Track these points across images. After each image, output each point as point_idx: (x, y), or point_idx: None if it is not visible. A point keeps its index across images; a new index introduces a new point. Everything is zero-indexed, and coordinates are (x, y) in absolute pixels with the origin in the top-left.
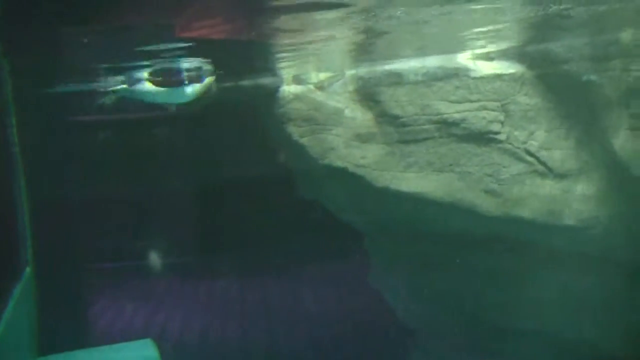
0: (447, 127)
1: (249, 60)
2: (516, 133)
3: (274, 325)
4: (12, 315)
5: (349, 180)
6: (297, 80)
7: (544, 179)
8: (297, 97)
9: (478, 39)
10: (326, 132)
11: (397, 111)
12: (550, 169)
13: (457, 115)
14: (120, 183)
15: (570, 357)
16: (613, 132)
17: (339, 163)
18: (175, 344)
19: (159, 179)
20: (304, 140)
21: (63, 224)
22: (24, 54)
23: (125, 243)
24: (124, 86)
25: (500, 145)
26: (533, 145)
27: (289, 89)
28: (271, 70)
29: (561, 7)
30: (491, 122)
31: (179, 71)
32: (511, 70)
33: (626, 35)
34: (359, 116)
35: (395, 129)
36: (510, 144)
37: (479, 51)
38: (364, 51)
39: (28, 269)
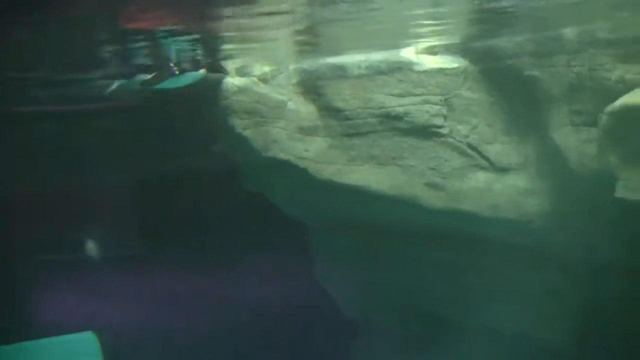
0: (390, 121)
1: (193, 52)
2: (459, 127)
3: (216, 319)
4: None
5: (292, 173)
6: (241, 72)
7: (486, 173)
8: (241, 90)
9: (422, 33)
10: (269, 124)
11: (340, 104)
12: (492, 163)
13: (400, 109)
14: (60, 175)
15: (510, 350)
16: (554, 128)
17: (282, 156)
18: (116, 336)
19: (100, 171)
20: (247, 133)
21: (8, 218)
22: None
23: (65, 236)
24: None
25: (442, 139)
26: (475, 139)
27: (232, 81)
28: (215, 62)
29: (504, 3)
30: (434, 116)
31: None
32: (454, 65)
33: (569, 32)
34: (303, 109)
35: (339, 122)
36: (452, 137)
37: (422, 45)
38: (308, 44)
39: None
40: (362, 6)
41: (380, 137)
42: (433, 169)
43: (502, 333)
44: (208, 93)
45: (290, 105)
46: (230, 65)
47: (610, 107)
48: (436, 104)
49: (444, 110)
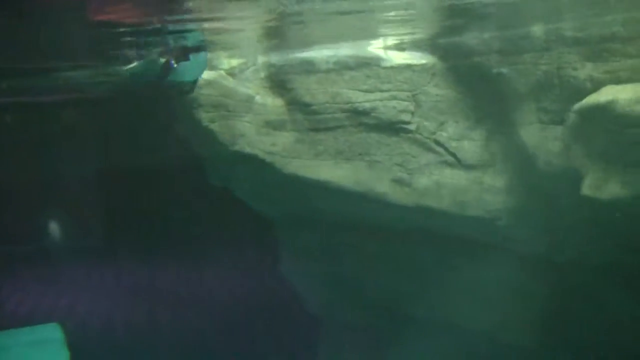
0: (358, 116)
1: (158, 45)
2: (426, 123)
3: (181, 313)
4: None
5: (259, 168)
6: (209, 66)
7: (453, 170)
8: (208, 83)
9: (390, 29)
10: (236, 118)
11: (307, 99)
12: (459, 160)
13: (367, 105)
14: (24, 168)
15: (475, 347)
16: (522, 125)
17: (249, 150)
18: (81, 327)
19: (64, 164)
20: (214, 127)
21: None
22: None
23: (27, 228)
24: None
25: (410, 135)
26: (442, 136)
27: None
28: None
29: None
30: (401, 112)
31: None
32: (422, 61)
33: (537, 30)
34: (270, 103)
35: (306, 116)
36: (420, 134)
37: (391, 41)
38: (276, 38)
39: None
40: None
41: (347, 132)
42: (400, 165)
43: (467, 330)
44: (175, 86)
45: (258, 99)
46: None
47: (578, 106)
48: (404, 100)
49: (412, 107)
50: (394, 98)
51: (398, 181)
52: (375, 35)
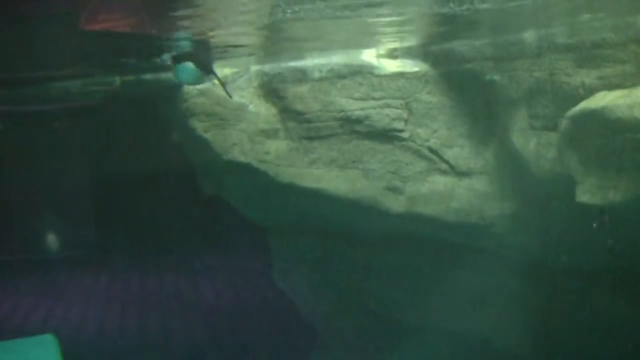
0: (351, 124)
1: (153, 54)
2: (419, 131)
3: (174, 322)
4: None
5: (252, 176)
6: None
7: (446, 177)
8: (201, 92)
9: (383, 37)
10: (230, 127)
11: (300, 107)
12: (452, 167)
13: (360, 113)
14: (18, 176)
15: (467, 353)
16: (514, 132)
17: (243, 158)
18: (75, 338)
19: (58, 173)
20: (208, 135)
21: None
22: None
23: (23, 237)
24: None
25: (403, 142)
26: (435, 143)
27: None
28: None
29: (464, 7)
30: (394, 119)
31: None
32: (415, 69)
33: (529, 36)
34: (263, 112)
35: (299, 125)
36: (413, 141)
37: (383, 49)
38: (268, 47)
39: None
40: (324, 8)
41: (340, 140)
42: (393, 172)
43: (461, 337)
44: (168, 95)
45: (251, 107)
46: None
47: (571, 112)
48: (397, 107)
49: (405, 114)
50: (387, 106)
51: (392, 189)
52: (367, 43)
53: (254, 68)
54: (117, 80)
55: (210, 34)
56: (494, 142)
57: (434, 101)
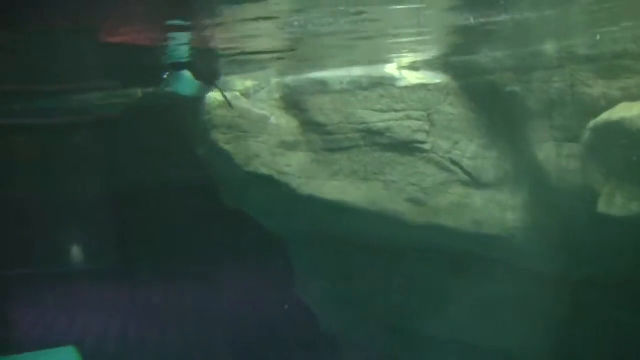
0: (372, 136)
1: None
2: (441, 142)
3: (196, 334)
4: None
5: (274, 188)
6: (223, 87)
7: (468, 188)
8: (223, 104)
9: (404, 49)
10: (251, 139)
11: (322, 119)
12: (474, 179)
13: (381, 125)
14: (39, 188)
15: None
16: (536, 143)
17: (264, 170)
18: (96, 350)
19: (79, 185)
20: (229, 147)
21: None
22: None
23: (44, 250)
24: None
25: (424, 154)
26: (457, 154)
27: (214, 95)
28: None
29: (484, 19)
30: (416, 131)
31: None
32: (436, 80)
33: (549, 47)
34: (284, 124)
35: (321, 137)
36: (434, 153)
37: (404, 61)
38: (289, 59)
39: None
40: (345, 21)
41: (362, 152)
42: (414, 184)
43: (481, 350)
44: (190, 108)
45: (272, 120)
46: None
47: (593, 123)
48: (418, 119)
49: (426, 126)
50: (409, 118)
51: (413, 201)
52: (388, 55)
53: (275, 80)
54: (139, 92)
55: (231, 45)
56: (515, 153)
57: (455, 113)
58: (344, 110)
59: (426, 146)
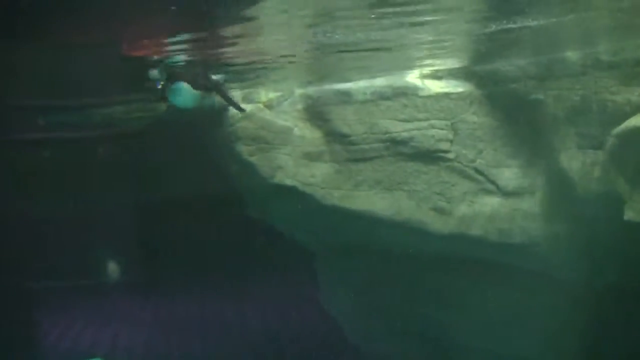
0: (396, 146)
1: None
2: (465, 151)
3: (221, 344)
4: None
5: (298, 199)
6: (246, 99)
7: (492, 197)
8: (246, 116)
9: (426, 58)
10: (275, 150)
11: (345, 130)
12: (498, 187)
13: (405, 134)
14: (67, 202)
15: None
16: (560, 151)
17: (288, 182)
18: None
19: (105, 198)
20: (253, 159)
21: (9, 243)
22: None
23: (72, 262)
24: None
25: (449, 163)
26: (481, 163)
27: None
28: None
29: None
30: (440, 140)
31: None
32: (459, 89)
33: (572, 55)
34: (308, 135)
35: (344, 147)
36: (459, 162)
37: (427, 70)
38: (312, 71)
39: None
40: (367, 31)
41: (385, 162)
42: (439, 193)
43: (506, 357)
44: (213, 119)
45: (296, 131)
46: (235, 91)
47: (617, 130)
48: (442, 128)
49: (450, 135)
50: (432, 127)
51: (438, 210)
52: (411, 65)
53: (298, 91)
54: (163, 105)
55: (254, 59)
56: (540, 161)
57: (479, 121)
58: (368, 120)
59: (450, 155)
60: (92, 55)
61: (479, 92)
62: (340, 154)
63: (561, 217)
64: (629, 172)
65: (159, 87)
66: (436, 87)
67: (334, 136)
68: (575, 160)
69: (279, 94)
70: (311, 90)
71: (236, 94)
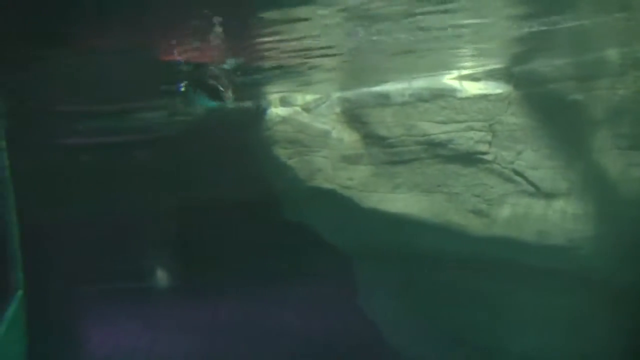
0: (434, 148)
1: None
2: (503, 153)
3: (262, 350)
4: (3, 339)
5: (337, 202)
6: (284, 102)
7: (532, 199)
8: (284, 119)
9: (464, 60)
10: (313, 153)
11: (383, 132)
12: (538, 189)
13: (443, 136)
14: (110, 206)
15: None
16: (600, 152)
17: (327, 185)
18: None
19: (146, 202)
20: (291, 162)
21: (54, 248)
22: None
23: (114, 266)
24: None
25: (487, 165)
26: (520, 165)
27: (275, 111)
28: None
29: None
30: (478, 142)
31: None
32: (497, 91)
33: (611, 54)
34: (346, 138)
35: (382, 150)
36: (497, 164)
37: (465, 72)
38: (350, 73)
39: (19, 293)
40: (405, 34)
41: (424, 164)
42: (477, 195)
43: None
44: (250, 122)
45: (334, 134)
46: (272, 95)
47: None
48: (480, 130)
49: (488, 137)
50: (470, 129)
51: (477, 212)
52: (449, 67)
53: (336, 94)
54: (199, 109)
55: (293, 62)
56: (580, 162)
57: (517, 123)
58: (405, 122)
59: (489, 157)
60: (129, 60)
61: (517, 93)
62: (378, 156)
63: (601, 218)
64: None
65: (182, 89)
66: (474, 88)
67: (372, 139)
68: (615, 162)
69: (316, 96)
70: (349, 93)
71: (274, 97)
